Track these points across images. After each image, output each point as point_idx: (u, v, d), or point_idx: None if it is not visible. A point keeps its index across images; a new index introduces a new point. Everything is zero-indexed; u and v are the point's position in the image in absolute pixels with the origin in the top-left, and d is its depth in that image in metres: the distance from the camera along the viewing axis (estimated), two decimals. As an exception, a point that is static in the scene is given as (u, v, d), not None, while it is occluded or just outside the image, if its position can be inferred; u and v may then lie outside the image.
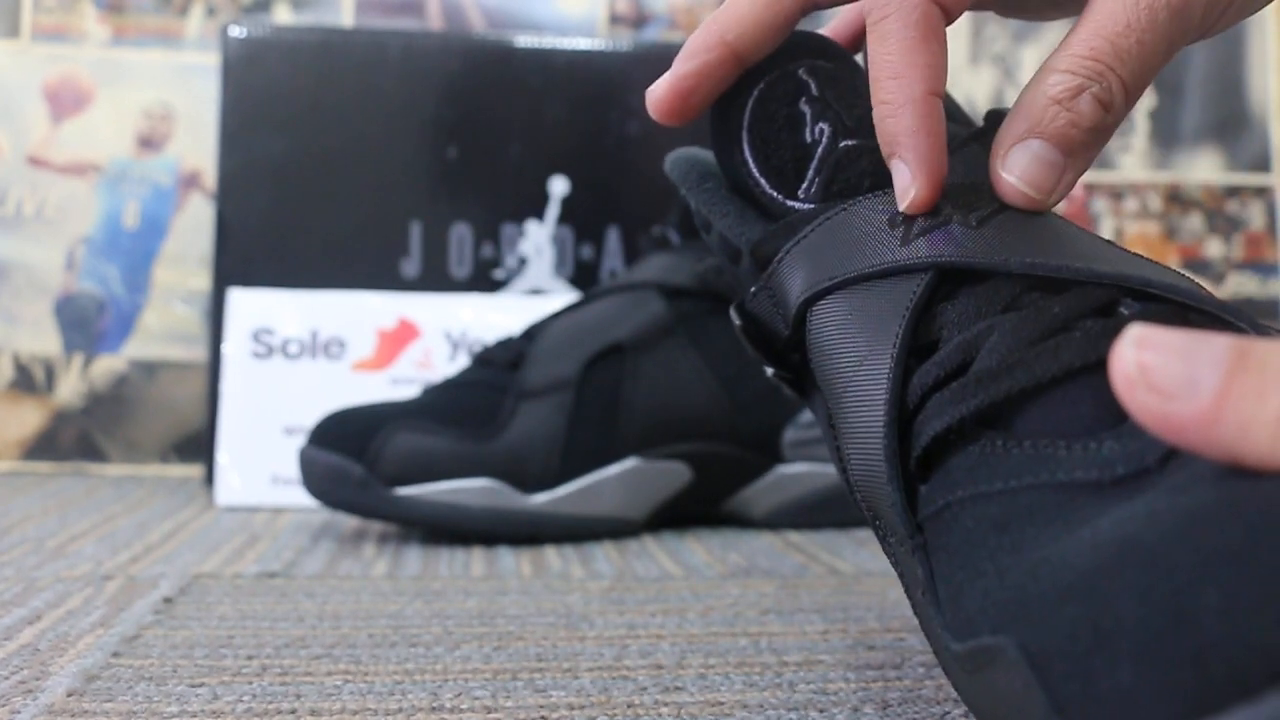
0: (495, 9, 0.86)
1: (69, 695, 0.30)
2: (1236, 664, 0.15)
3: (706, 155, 0.33)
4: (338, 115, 0.75)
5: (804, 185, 0.30)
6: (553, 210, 0.76)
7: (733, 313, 0.31)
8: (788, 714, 0.29)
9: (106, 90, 0.83)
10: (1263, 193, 0.90)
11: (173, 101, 0.84)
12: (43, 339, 0.82)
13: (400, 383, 0.68)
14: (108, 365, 0.82)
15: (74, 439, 0.81)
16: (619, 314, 0.58)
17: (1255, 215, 0.90)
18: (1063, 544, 0.20)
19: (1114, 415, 0.21)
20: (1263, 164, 0.90)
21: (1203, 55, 0.90)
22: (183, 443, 0.82)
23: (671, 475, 0.58)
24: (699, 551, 0.53)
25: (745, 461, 0.59)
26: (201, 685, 0.31)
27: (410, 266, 0.74)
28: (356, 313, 0.69)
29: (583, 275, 0.76)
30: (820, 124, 0.29)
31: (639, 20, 0.88)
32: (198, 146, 0.83)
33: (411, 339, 0.69)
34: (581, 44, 0.77)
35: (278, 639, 0.36)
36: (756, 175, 0.30)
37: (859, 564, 0.49)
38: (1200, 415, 0.16)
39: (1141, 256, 0.26)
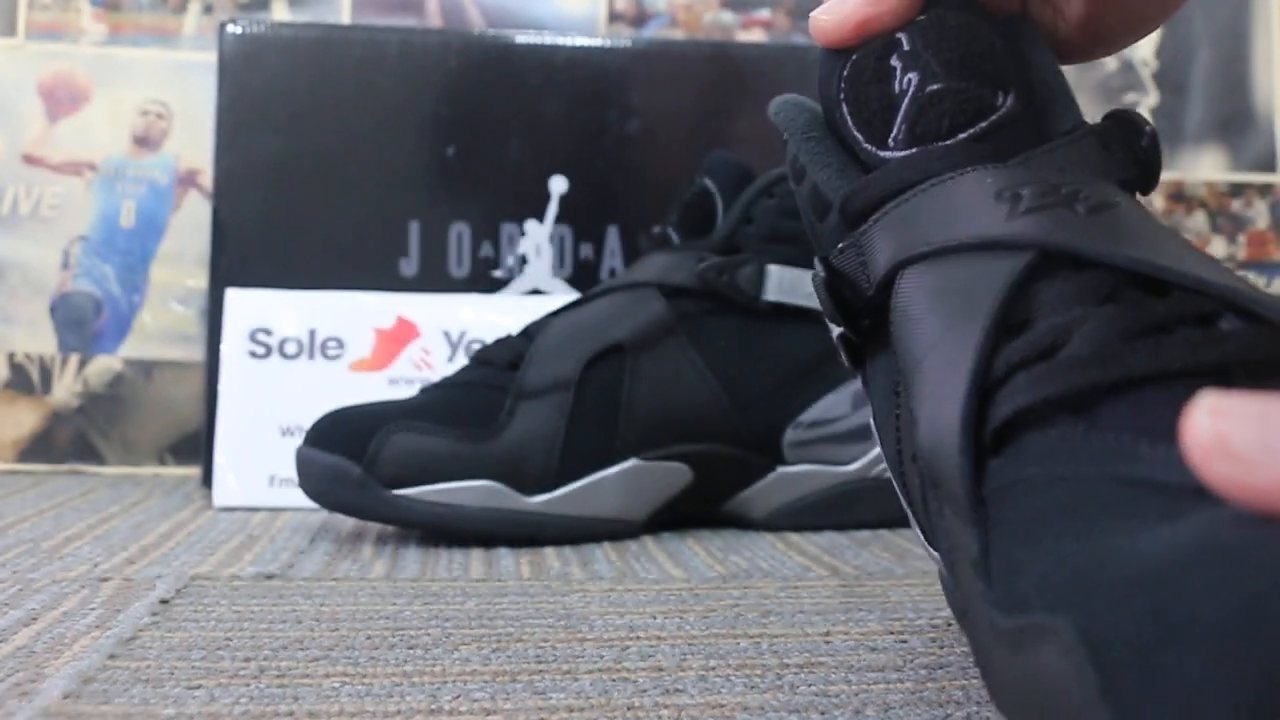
0: (494, 6, 0.86)
1: (65, 697, 0.30)
2: None
3: (815, 105, 0.33)
4: (336, 113, 0.75)
5: (892, 134, 0.30)
6: (552, 209, 0.76)
7: (816, 264, 0.31)
8: (789, 716, 0.29)
9: (103, 88, 0.83)
10: (1267, 191, 0.90)
11: (169, 100, 0.83)
12: (38, 339, 0.82)
13: (399, 383, 0.68)
14: (104, 365, 0.82)
15: (70, 440, 0.81)
16: (619, 313, 0.58)
17: (1259, 214, 0.90)
18: (1137, 538, 0.20)
19: None
20: (1267, 163, 0.90)
21: (1207, 53, 0.90)
22: (180, 443, 0.82)
23: (672, 476, 0.57)
24: (699, 553, 0.52)
25: (746, 462, 0.59)
26: (198, 687, 0.31)
27: (409, 266, 0.74)
28: (355, 312, 0.69)
29: (582, 275, 0.75)
30: (909, 75, 0.30)
31: (639, 18, 0.87)
32: (195, 145, 0.83)
33: (410, 339, 0.69)
34: (581, 42, 0.77)
35: (275, 641, 0.36)
36: (854, 130, 0.31)
37: (861, 566, 0.49)
38: None
39: (1242, 278, 0.26)
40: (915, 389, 0.27)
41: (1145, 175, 0.30)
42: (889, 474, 0.33)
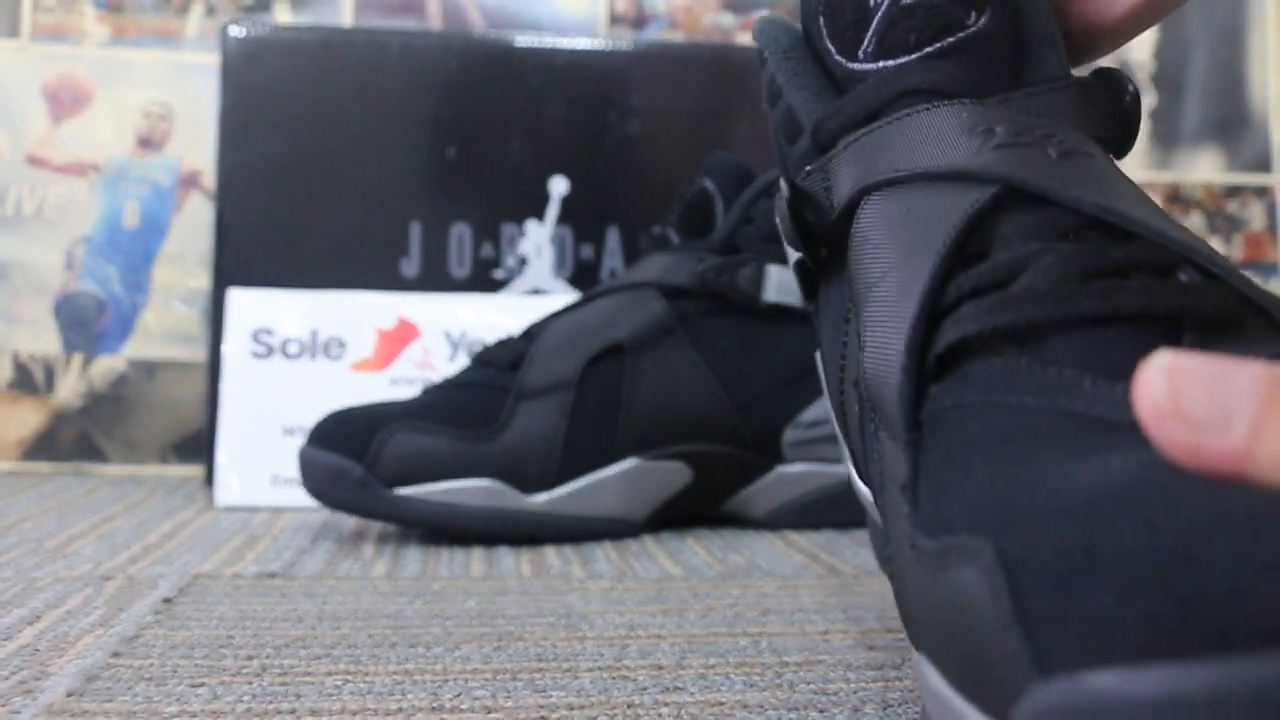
0: (495, 8, 0.86)
1: (68, 695, 0.30)
2: (1228, 618, 0.14)
3: (798, 27, 0.33)
4: (337, 115, 0.75)
5: (863, 46, 0.30)
6: (553, 210, 0.76)
7: (781, 185, 0.31)
8: (788, 714, 0.29)
9: (106, 90, 0.83)
10: (1263, 193, 0.90)
11: (172, 101, 0.84)
12: (42, 339, 0.82)
13: (400, 383, 0.68)
14: (107, 365, 0.82)
15: (73, 439, 0.81)
16: (619, 314, 0.58)
17: (1256, 215, 0.90)
18: (1068, 468, 0.19)
19: None
20: (1263, 164, 0.90)
21: (1203, 54, 0.90)
22: (182, 443, 0.82)
23: (671, 475, 0.57)
24: (699, 551, 0.53)
25: (746, 462, 0.59)
26: (201, 685, 0.31)
27: (410, 266, 0.74)
28: (356, 313, 0.69)
29: (583, 275, 0.75)
30: None
31: (639, 20, 0.88)
32: (197, 146, 0.83)
33: (411, 339, 0.69)
34: (582, 43, 0.77)
35: (277, 639, 0.36)
36: (827, 41, 0.31)
37: (859, 564, 0.49)
38: (1233, 451, 0.16)
39: (1204, 241, 0.25)
40: (866, 313, 0.27)
41: (1124, 135, 0.29)
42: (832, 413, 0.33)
